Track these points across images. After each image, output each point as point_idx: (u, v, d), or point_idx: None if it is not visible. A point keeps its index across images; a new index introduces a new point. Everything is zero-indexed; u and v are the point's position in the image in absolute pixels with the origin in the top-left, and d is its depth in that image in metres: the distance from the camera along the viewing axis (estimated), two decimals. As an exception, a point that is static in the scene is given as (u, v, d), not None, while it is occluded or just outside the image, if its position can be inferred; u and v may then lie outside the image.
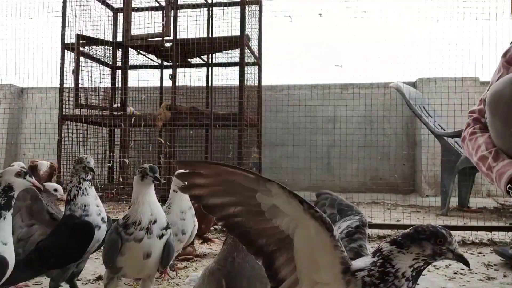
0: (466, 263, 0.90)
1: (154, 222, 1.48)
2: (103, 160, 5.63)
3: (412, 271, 0.89)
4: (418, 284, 0.96)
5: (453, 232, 3.02)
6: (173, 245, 1.55)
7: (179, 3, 5.09)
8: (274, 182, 0.86)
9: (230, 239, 1.21)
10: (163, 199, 4.73)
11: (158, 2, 5.42)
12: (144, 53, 5.59)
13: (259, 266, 1.15)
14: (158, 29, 5.00)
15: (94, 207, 1.66)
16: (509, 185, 1.51)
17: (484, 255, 2.54)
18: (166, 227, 1.52)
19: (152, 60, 5.94)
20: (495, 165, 1.58)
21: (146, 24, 5.25)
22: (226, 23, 5.12)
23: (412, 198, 5.44)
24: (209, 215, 0.97)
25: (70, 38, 4.94)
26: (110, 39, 5.53)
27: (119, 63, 5.46)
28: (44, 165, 2.43)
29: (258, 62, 5.51)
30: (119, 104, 5.12)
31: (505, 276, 2.11)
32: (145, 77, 6.02)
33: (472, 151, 1.73)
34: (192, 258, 2.41)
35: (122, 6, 5.20)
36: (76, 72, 4.87)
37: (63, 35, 4.95)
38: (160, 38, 4.95)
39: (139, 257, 1.45)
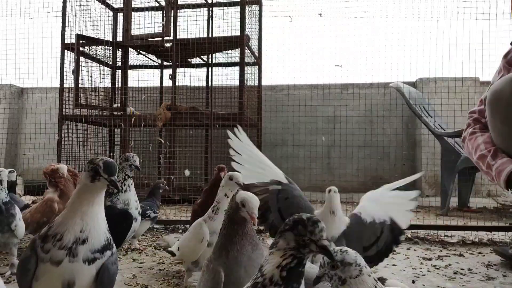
0: (330, 257, 0.81)
1: (84, 241, 1.07)
2: (103, 160, 5.62)
3: (281, 272, 0.77)
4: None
5: (453, 232, 3.04)
6: (113, 270, 1.13)
7: (179, 3, 5.09)
8: None
9: (225, 230, 1.22)
10: (163, 199, 4.71)
11: (158, 2, 5.42)
12: (144, 53, 5.60)
13: (257, 256, 1.18)
14: (158, 29, 5.00)
15: (134, 202, 1.91)
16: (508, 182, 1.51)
17: (484, 255, 2.54)
18: (104, 249, 1.11)
19: (152, 60, 5.94)
20: (493, 163, 1.59)
21: (146, 24, 5.25)
22: (226, 23, 5.13)
23: (412, 198, 5.43)
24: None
25: (70, 38, 4.94)
26: (110, 39, 5.53)
27: (119, 63, 5.46)
28: (64, 167, 2.48)
29: (258, 62, 5.51)
30: (119, 104, 5.12)
31: (505, 276, 2.11)
32: (145, 77, 6.03)
33: (472, 151, 1.74)
34: None
35: (122, 6, 5.20)
36: (76, 72, 4.87)
37: (63, 35, 4.95)
38: (160, 38, 4.95)
39: (56, 286, 1.06)
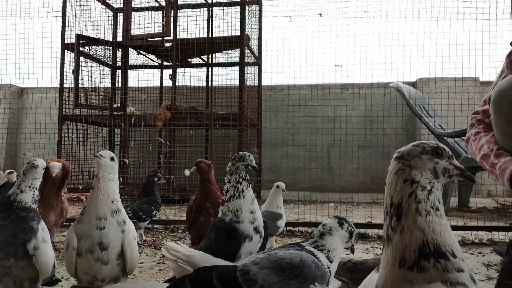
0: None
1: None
2: (103, 160, 5.62)
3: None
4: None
5: (453, 232, 3.04)
6: None
7: (179, 3, 5.09)
8: None
9: None
10: (162, 199, 4.73)
11: (158, 2, 5.42)
12: (144, 53, 5.60)
13: None
14: (158, 29, 5.00)
15: (247, 214, 1.46)
16: None
17: (484, 255, 2.54)
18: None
19: (152, 60, 5.94)
20: (497, 161, 1.59)
21: (146, 24, 5.25)
22: (226, 23, 5.13)
23: (412, 198, 5.43)
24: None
25: (70, 38, 4.94)
26: (110, 39, 5.53)
27: (119, 63, 5.46)
28: (56, 166, 2.23)
29: (258, 62, 5.51)
30: (119, 104, 5.12)
31: (505, 276, 2.11)
32: (145, 77, 6.03)
33: (476, 151, 1.75)
34: None
35: (122, 6, 5.20)
36: (76, 72, 4.87)
37: (63, 35, 4.95)
38: (160, 38, 4.96)
39: None
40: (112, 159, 1.40)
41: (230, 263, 1.15)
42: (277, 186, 2.48)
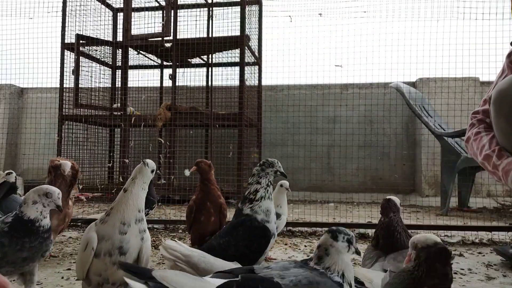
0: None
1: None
2: (103, 160, 5.64)
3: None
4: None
5: (453, 232, 3.04)
6: None
7: (179, 3, 5.09)
8: None
9: None
10: (163, 199, 4.71)
11: (158, 2, 5.42)
12: (144, 53, 5.60)
13: None
14: (158, 29, 5.00)
15: (273, 216, 1.63)
16: None
17: (484, 255, 2.54)
18: None
19: (152, 60, 5.94)
20: (499, 163, 1.58)
21: (146, 24, 5.26)
22: (226, 23, 5.13)
23: (412, 198, 5.44)
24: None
25: (70, 38, 4.94)
26: (110, 39, 5.53)
27: (119, 63, 5.46)
28: (68, 165, 2.19)
29: (258, 62, 5.51)
30: (119, 104, 5.12)
31: (505, 276, 2.11)
32: (145, 77, 6.03)
33: (477, 151, 1.73)
34: None
35: (122, 6, 5.20)
36: (76, 72, 4.87)
37: (63, 35, 4.95)
38: (160, 38, 4.96)
39: None
40: (152, 171, 1.46)
41: (252, 268, 1.16)
42: (281, 185, 2.48)
